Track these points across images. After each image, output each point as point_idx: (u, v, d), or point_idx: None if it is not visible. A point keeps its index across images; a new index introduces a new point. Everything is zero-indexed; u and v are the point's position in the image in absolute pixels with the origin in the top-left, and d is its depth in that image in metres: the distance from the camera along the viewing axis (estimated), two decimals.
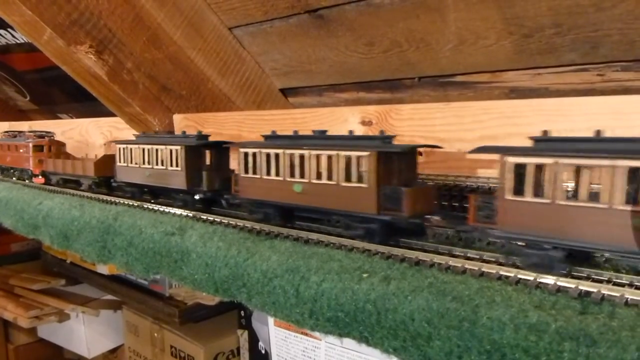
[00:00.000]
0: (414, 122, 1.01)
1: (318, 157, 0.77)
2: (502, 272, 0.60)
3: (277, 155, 0.84)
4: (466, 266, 0.63)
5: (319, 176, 0.78)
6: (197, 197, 1.03)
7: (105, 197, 1.24)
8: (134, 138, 1.21)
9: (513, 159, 0.61)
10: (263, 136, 0.90)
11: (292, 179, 0.81)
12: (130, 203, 1.16)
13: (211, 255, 0.82)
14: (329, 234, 0.80)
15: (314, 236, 0.80)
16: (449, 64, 1.12)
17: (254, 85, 1.49)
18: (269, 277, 0.72)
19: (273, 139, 0.88)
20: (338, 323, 0.64)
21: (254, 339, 1.66)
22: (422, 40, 1.10)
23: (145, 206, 1.11)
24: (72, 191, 1.36)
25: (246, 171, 0.89)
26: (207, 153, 1.06)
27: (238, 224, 0.91)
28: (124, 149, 1.19)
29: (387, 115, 1.04)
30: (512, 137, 0.88)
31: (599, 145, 0.57)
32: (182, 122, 1.46)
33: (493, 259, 0.64)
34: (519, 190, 0.60)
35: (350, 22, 1.17)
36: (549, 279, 0.56)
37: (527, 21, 0.96)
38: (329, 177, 0.76)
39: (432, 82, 1.20)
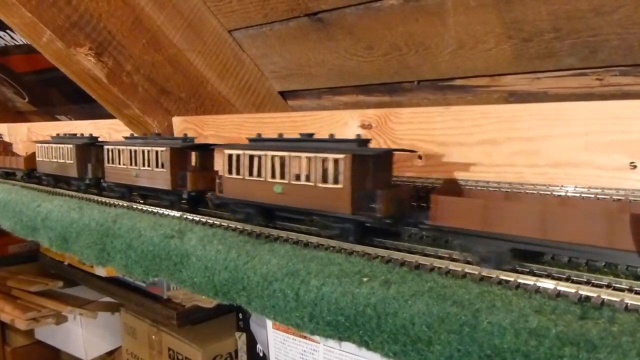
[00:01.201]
0: (414, 126, 1.01)
1: (136, 151, 1.13)
2: (502, 277, 0.60)
3: (122, 151, 1.18)
4: (466, 270, 0.63)
5: (144, 164, 1.12)
6: (86, 182, 1.36)
7: (104, 200, 1.24)
8: (50, 139, 1.53)
9: (227, 151, 0.92)
10: (124, 137, 1.25)
11: (131, 167, 1.15)
12: (129, 205, 1.16)
13: (211, 258, 0.82)
14: (158, 206, 1.11)
15: (314, 239, 0.80)
16: (448, 67, 1.12)
17: (253, 88, 1.49)
18: (269, 280, 0.72)
19: (130, 139, 1.23)
20: (338, 327, 0.64)
21: (252, 342, 1.66)
22: (422, 44, 1.11)
23: (145, 209, 1.12)
24: (71, 193, 1.37)
25: (108, 162, 1.23)
26: (94, 150, 1.36)
27: (238, 227, 0.91)
28: (40, 146, 1.54)
29: (387, 118, 1.05)
30: (511, 141, 0.88)
31: (273, 144, 0.87)
32: (182, 125, 1.46)
33: None
34: (230, 170, 0.91)
35: (350, 26, 1.17)
36: (549, 284, 0.56)
37: (527, 25, 0.96)
38: (144, 164, 1.11)
39: (431, 86, 1.20)
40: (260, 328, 1.53)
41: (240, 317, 1.70)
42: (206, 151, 1.10)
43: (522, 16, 0.95)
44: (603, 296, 0.53)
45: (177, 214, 1.04)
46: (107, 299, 2.32)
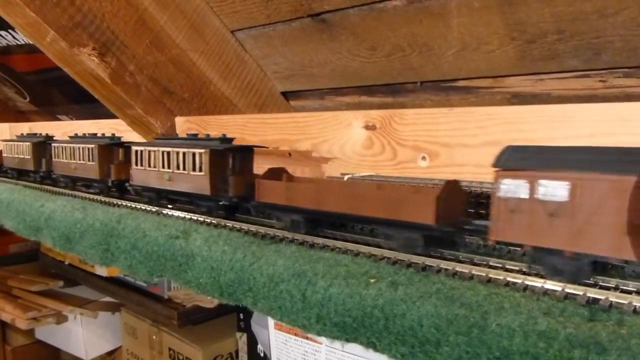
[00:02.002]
0: (418, 127, 1.02)
1: (74, 148, 1.35)
2: (509, 279, 0.60)
3: (65, 148, 1.40)
4: (473, 272, 0.63)
5: (80, 159, 1.32)
6: (40, 174, 1.58)
7: (107, 200, 1.24)
8: (15, 138, 1.78)
9: (134, 148, 1.13)
10: (69, 136, 1.47)
11: (71, 161, 1.37)
12: (134, 205, 1.16)
13: (216, 259, 0.82)
14: (94, 194, 1.32)
15: (320, 240, 0.80)
16: (451, 68, 1.12)
17: (256, 88, 1.49)
18: (276, 281, 0.72)
19: (72, 137, 1.44)
20: (345, 328, 0.64)
21: (253, 342, 1.66)
22: (425, 45, 1.11)
23: (149, 209, 1.12)
24: (74, 192, 1.37)
25: (55, 157, 1.45)
26: (48, 147, 1.54)
27: (243, 227, 0.92)
28: (6, 144, 1.77)
29: (391, 119, 1.05)
30: (515, 143, 0.88)
31: (166, 142, 1.08)
32: (184, 125, 1.46)
33: (500, 265, 0.65)
34: (137, 163, 1.13)
35: (353, 27, 1.17)
36: (557, 286, 0.57)
37: (530, 27, 0.96)
38: (80, 159, 1.33)
39: (434, 87, 1.20)
40: (262, 328, 1.54)
41: (241, 317, 1.70)
42: (129, 148, 1.24)
43: (525, 18, 0.95)
44: (611, 298, 0.53)
45: (182, 214, 1.05)
46: (108, 298, 2.32)
